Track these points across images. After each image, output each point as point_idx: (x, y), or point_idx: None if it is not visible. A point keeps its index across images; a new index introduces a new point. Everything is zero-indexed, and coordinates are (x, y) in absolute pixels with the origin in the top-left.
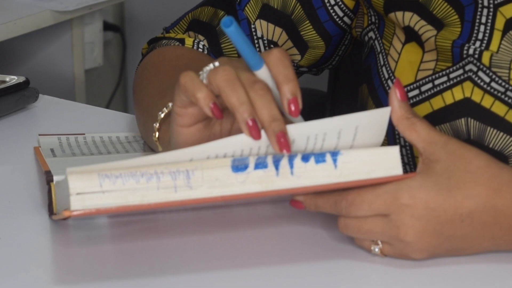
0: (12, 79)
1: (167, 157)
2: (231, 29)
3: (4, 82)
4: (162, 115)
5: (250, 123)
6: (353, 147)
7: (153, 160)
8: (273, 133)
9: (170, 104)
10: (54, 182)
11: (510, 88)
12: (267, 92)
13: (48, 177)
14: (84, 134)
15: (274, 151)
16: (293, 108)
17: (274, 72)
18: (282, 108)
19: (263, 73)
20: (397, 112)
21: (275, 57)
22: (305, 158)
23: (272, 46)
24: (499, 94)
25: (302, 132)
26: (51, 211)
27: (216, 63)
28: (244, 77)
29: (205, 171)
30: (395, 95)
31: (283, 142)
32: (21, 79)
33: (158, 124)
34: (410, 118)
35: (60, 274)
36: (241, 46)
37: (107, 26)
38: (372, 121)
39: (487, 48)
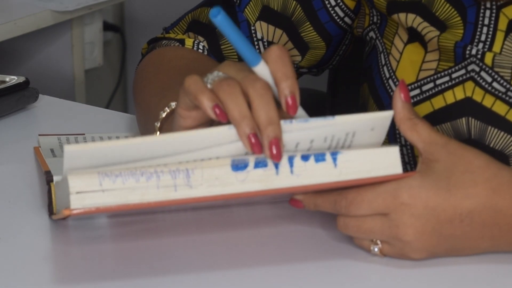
0: (12, 79)
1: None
2: (218, 19)
3: (4, 82)
4: (164, 115)
5: (252, 138)
6: (353, 146)
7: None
8: (267, 138)
9: (172, 104)
10: (54, 182)
11: (511, 88)
12: (267, 92)
13: (48, 177)
14: (84, 134)
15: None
16: (290, 103)
17: (273, 69)
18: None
19: (261, 69)
20: (400, 113)
21: (274, 54)
22: (305, 157)
23: None
24: (500, 94)
25: (304, 136)
26: (51, 211)
27: (220, 73)
28: (244, 75)
29: (205, 170)
30: (399, 96)
31: (275, 153)
32: (21, 79)
33: (159, 124)
34: (412, 119)
35: (60, 274)
36: (233, 39)
37: (107, 26)
38: (374, 122)
39: (490, 49)
